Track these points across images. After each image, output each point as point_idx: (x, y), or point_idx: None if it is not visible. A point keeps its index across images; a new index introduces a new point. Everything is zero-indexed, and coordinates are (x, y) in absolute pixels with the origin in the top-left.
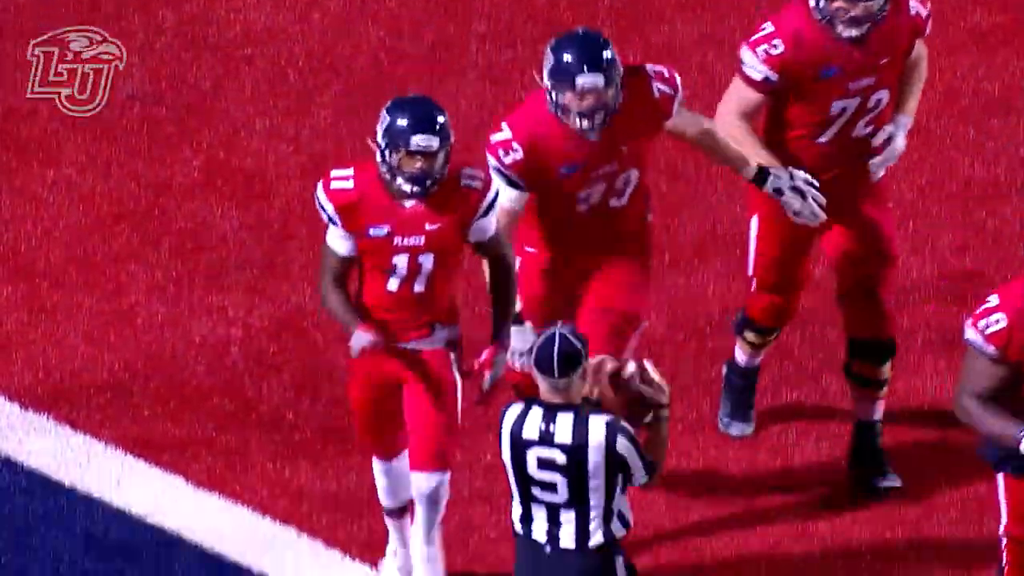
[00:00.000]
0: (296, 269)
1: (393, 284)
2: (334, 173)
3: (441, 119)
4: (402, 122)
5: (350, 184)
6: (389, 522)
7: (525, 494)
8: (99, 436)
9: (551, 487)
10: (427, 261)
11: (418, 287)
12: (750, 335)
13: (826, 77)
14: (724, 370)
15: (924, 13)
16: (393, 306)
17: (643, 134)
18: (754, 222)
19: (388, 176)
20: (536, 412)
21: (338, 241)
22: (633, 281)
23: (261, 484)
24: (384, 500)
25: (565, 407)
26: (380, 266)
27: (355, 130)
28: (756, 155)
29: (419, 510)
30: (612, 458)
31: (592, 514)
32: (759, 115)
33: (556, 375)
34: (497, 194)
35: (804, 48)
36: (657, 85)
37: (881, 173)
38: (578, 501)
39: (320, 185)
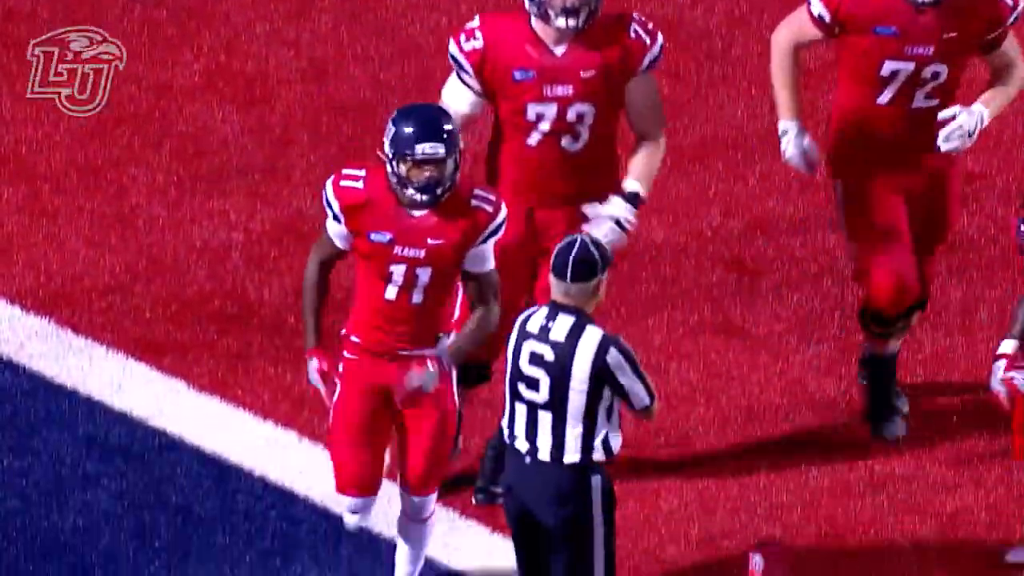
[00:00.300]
0: (297, 174)
1: (391, 292)
2: (346, 171)
3: (448, 126)
4: (408, 130)
5: (360, 184)
6: None
7: (514, 392)
8: (100, 339)
9: (535, 384)
10: (424, 274)
11: (416, 298)
12: (875, 327)
13: (881, 34)
14: (859, 371)
15: (1011, 2)
16: (392, 315)
17: (605, 71)
18: (839, 188)
19: (398, 187)
20: (544, 310)
21: (336, 236)
22: None
23: (262, 388)
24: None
25: (570, 309)
26: (377, 272)
27: (355, 35)
28: (785, 92)
29: (403, 537)
30: (600, 369)
31: (570, 424)
32: (808, 47)
33: (568, 279)
34: (501, 223)
35: None
36: (635, 28)
37: (948, 148)
38: (557, 404)
39: (330, 180)
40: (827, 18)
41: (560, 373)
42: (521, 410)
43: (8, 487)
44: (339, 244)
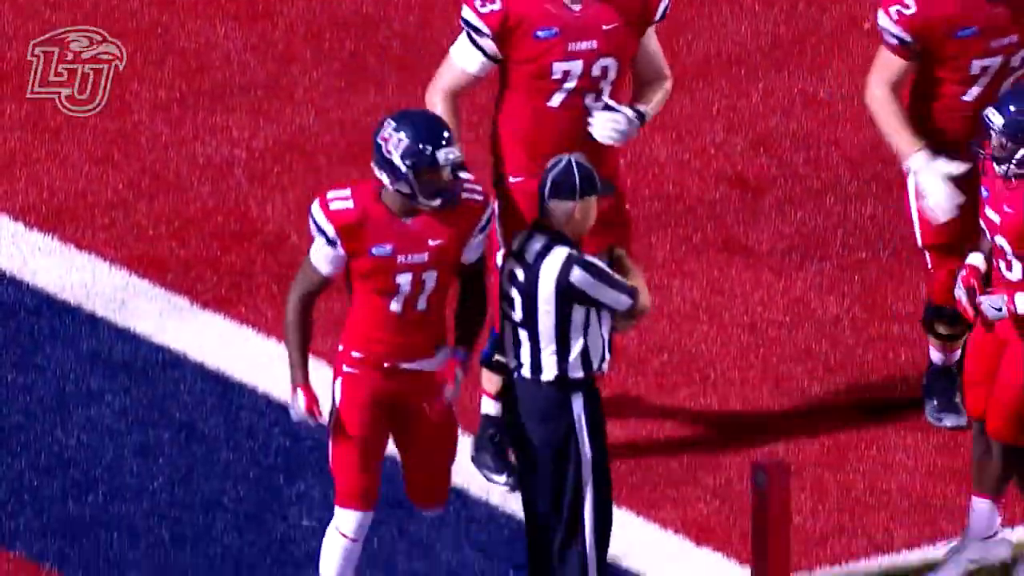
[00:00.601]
0: (300, 91)
1: (396, 305)
2: (331, 194)
3: (447, 131)
4: (423, 140)
5: (350, 204)
6: None
7: (500, 309)
8: (104, 256)
9: (512, 303)
10: (430, 279)
11: (421, 305)
12: (941, 327)
13: (964, 36)
14: (925, 380)
15: None
16: (396, 329)
17: (625, 23)
18: (911, 182)
19: (405, 198)
20: (527, 231)
21: (326, 262)
22: (621, 221)
23: (266, 305)
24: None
25: (546, 230)
26: (382, 288)
27: None
28: (896, 133)
29: None
30: (565, 290)
31: (544, 343)
32: (907, 82)
33: (545, 196)
34: (493, 210)
35: (936, 6)
36: None
37: None
38: (530, 323)
39: (317, 205)
40: (908, 40)
41: (529, 293)
42: (507, 327)
43: (12, 403)
44: (328, 271)
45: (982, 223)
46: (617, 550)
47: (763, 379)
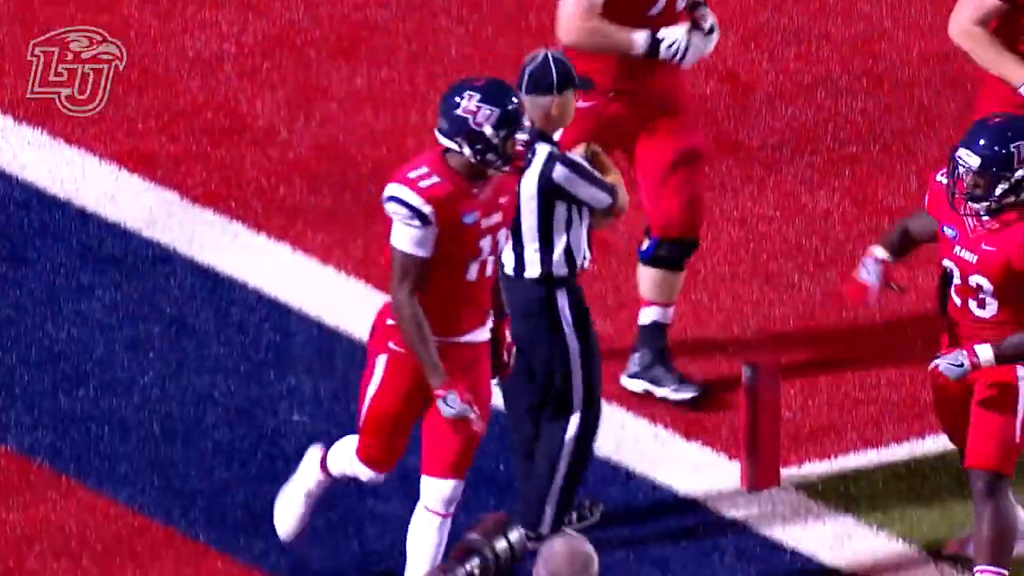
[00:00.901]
0: None
1: (473, 272)
2: (412, 174)
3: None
4: (513, 106)
5: (436, 178)
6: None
7: None
8: (93, 150)
9: None
10: (502, 238)
11: (489, 270)
12: None
13: None
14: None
15: None
16: (468, 297)
17: None
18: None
19: (488, 164)
20: None
21: (419, 245)
22: (691, 120)
23: (255, 200)
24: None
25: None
26: (465, 256)
27: None
28: (1003, 62)
29: (422, 536)
30: (547, 186)
31: (527, 241)
32: (991, 25)
33: (522, 90)
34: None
35: None
36: None
37: None
38: (513, 222)
39: (403, 188)
40: None
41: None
42: None
43: (2, 297)
44: (425, 251)
45: (950, 263)
46: (607, 445)
47: (753, 274)
